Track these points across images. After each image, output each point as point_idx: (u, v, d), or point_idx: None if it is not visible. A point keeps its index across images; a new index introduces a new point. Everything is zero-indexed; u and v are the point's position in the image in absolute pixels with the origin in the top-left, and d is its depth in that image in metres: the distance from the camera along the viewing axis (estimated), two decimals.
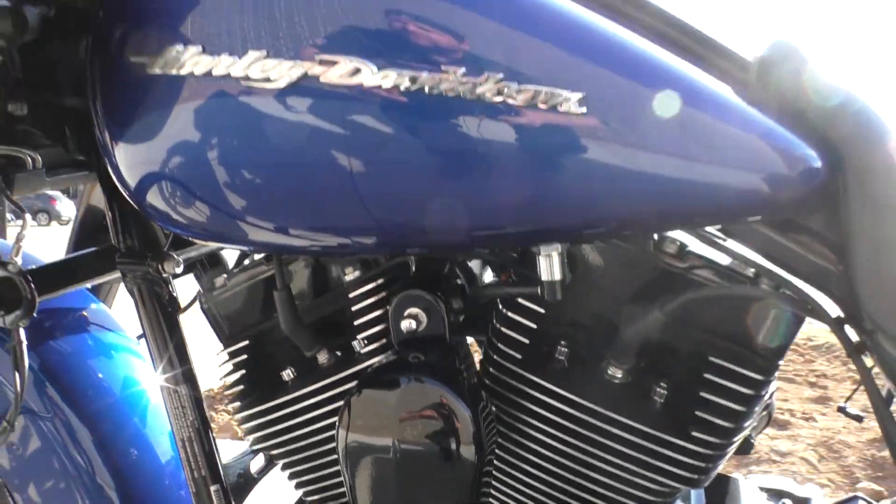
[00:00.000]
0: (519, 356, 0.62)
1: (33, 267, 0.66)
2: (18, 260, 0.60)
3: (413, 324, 0.59)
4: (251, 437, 0.72)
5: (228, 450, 0.82)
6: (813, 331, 4.91)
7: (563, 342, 0.61)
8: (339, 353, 0.66)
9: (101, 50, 0.54)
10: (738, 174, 0.46)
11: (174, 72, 0.47)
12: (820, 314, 0.54)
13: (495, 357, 0.64)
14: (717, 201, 0.47)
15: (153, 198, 0.53)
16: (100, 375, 0.91)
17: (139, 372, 0.94)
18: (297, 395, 0.67)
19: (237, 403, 0.72)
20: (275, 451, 0.72)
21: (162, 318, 0.70)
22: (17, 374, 0.62)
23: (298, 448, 0.70)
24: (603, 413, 0.59)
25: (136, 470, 0.88)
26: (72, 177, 0.68)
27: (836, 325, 0.53)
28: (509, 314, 0.62)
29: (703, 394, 0.59)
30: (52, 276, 0.68)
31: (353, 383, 0.64)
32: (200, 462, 0.69)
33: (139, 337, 0.97)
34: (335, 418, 0.60)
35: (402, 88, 0.44)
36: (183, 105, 0.48)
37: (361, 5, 0.44)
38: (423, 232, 0.50)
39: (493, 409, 0.63)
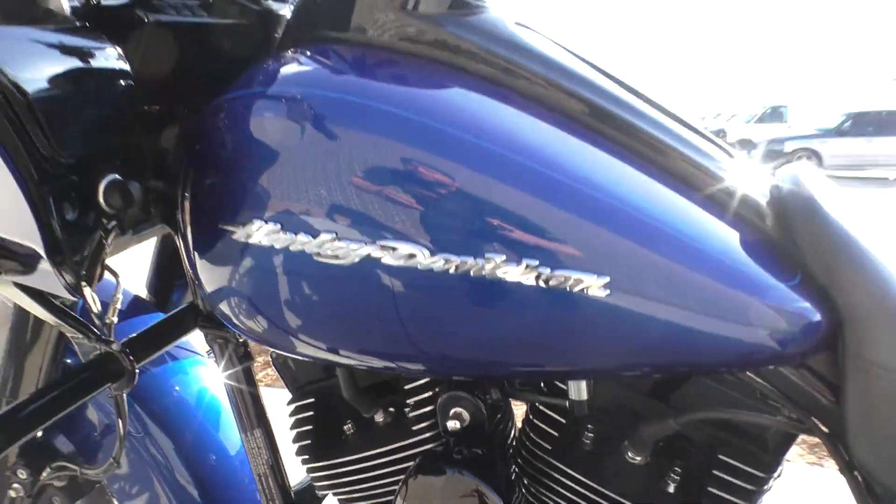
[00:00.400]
0: (549, 447, 0.72)
1: (131, 336, 0.75)
2: (114, 318, 0.68)
3: (457, 424, 0.69)
4: (318, 484, 0.81)
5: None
6: None
7: (589, 427, 0.69)
8: (393, 413, 0.75)
9: (193, 194, 0.62)
10: (746, 330, 0.53)
11: (256, 242, 0.56)
12: (816, 432, 0.60)
13: (528, 444, 0.74)
14: (724, 354, 0.54)
15: (226, 309, 0.62)
16: (177, 389, 1.03)
17: (208, 382, 1.06)
18: (356, 457, 0.76)
19: (304, 455, 0.81)
20: (339, 497, 0.82)
21: (240, 371, 0.80)
22: (119, 422, 0.72)
23: (359, 497, 0.80)
24: (622, 501, 0.68)
25: (215, 471, 0.99)
26: (153, 230, 0.77)
27: (830, 442, 0.59)
28: (542, 409, 0.73)
29: (711, 489, 0.66)
30: (146, 343, 0.77)
31: (407, 452, 0.74)
32: (275, 493, 0.81)
33: (208, 353, 1.08)
34: (391, 478, 0.73)
35: (450, 271, 0.52)
36: (260, 267, 0.57)
37: (416, 200, 0.53)
38: (464, 368, 0.60)
39: (525, 492, 0.72)
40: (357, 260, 0.54)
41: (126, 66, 0.56)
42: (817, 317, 0.54)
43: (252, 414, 0.83)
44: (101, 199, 0.55)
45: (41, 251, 0.51)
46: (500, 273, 0.52)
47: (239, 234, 0.57)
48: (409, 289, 0.54)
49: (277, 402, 0.89)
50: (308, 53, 0.62)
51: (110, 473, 0.85)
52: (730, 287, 0.53)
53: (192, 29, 0.67)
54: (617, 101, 0.60)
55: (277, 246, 0.55)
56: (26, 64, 0.47)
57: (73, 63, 0.51)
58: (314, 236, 0.54)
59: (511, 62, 0.60)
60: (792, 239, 0.57)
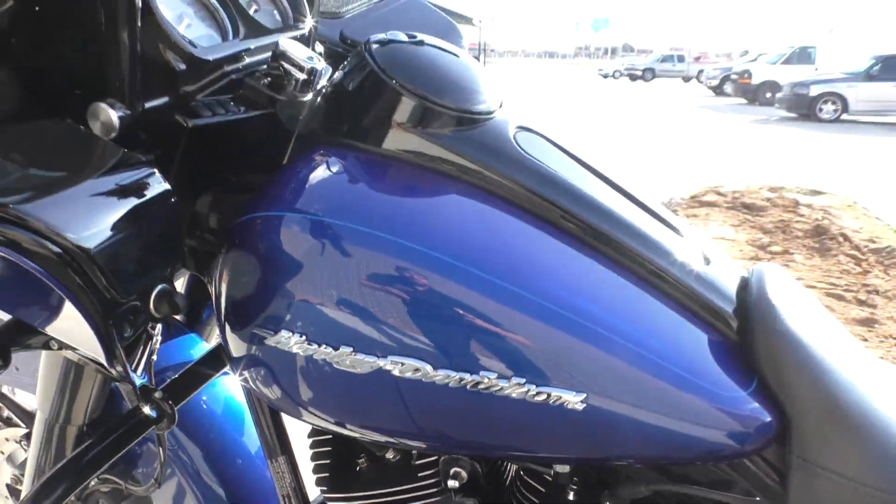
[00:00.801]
0: (537, 500, 0.80)
1: (169, 381, 0.84)
2: (153, 358, 0.77)
3: (457, 483, 0.77)
4: None
5: None
6: (878, 230, 4.89)
7: (574, 481, 0.77)
8: (402, 455, 0.83)
9: (228, 293, 0.69)
10: (707, 431, 0.61)
11: (284, 348, 0.64)
12: None
13: (518, 496, 0.82)
14: (689, 451, 0.62)
15: (248, 376, 0.70)
16: (204, 399, 1.13)
17: (233, 390, 1.16)
18: (367, 493, 0.85)
19: (322, 486, 0.91)
20: None
21: (267, 408, 0.89)
22: (160, 449, 0.82)
23: None
24: None
25: (242, 474, 1.10)
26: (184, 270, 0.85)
27: None
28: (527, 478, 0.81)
29: None
30: (183, 386, 0.85)
31: (412, 494, 0.82)
32: None
33: None
34: None
35: (450, 385, 0.61)
36: (284, 364, 0.65)
37: (421, 322, 0.61)
38: (462, 450, 0.71)
39: None
40: (370, 370, 0.62)
41: (168, 187, 0.62)
42: (769, 418, 0.62)
43: (276, 442, 0.92)
44: (151, 308, 0.63)
45: (103, 361, 0.59)
46: (493, 389, 0.60)
47: (269, 339, 0.65)
48: (415, 394, 0.62)
49: (300, 427, 0.99)
50: (323, 167, 0.69)
51: (152, 492, 0.96)
52: (693, 395, 0.61)
53: (227, 126, 0.74)
54: (602, 212, 0.66)
55: (302, 353, 0.64)
56: (85, 221, 0.54)
57: (126, 206, 0.57)
58: (335, 349, 0.62)
59: (507, 177, 0.66)
60: (751, 344, 0.64)
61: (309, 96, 0.77)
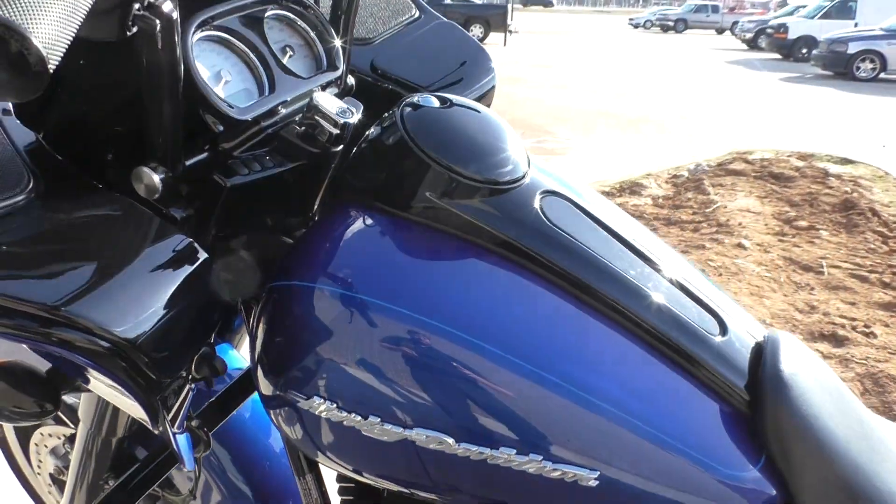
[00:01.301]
0: None
1: (203, 408, 0.89)
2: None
3: None
4: None
5: None
6: None
7: None
8: None
9: (261, 348, 0.72)
10: None
11: (315, 412, 0.67)
12: None
13: None
14: None
15: (274, 414, 0.73)
16: None
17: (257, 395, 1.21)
18: None
19: None
20: None
21: None
22: (196, 469, 0.87)
23: None
24: None
25: (269, 476, 1.16)
26: None
27: None
28: None
29: None
30: (216, 412, 0.90)
31: None
32: None
33: None
34: None
35: (471, 458, 0.64)
36: (316, 427, 0.69)
37: (444, 399, 0.64)
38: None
39: None
40: (396, 440, 0.66)
41: (205, 256, 0.65)
42: (775, 495, 0.65)
43: (304, 461, 0.97)
44: (193, 372, 0.67)
45: (147, 422, 0.64)
46: (511, 464, 0.64)
47: (300, 402, 0.69)
48: (437, 462, 0.66)
49: None
50: (351, 231, 0.72)
51: (188, 503, 1.03)
52: (702, 472, 0.64)
53: (263, 182, 0.76)
54: (621, 286, 0.68)
55: (332, 419, 0.67)
56: (129, 312, 0.57)
57: (168, 287, 0.60)
58: (364, 418, 0.66)
59: (532, 249, 0.68)
60: (761, 420, 0.67)
61: (341, 148, 0.80)
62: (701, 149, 6.55)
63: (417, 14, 1.13)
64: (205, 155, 0.73)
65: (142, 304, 0.58)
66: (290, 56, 0.85)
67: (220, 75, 0.76)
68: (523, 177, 0.73)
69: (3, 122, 0.65)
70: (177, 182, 0.70)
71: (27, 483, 1.47)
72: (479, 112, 0.77)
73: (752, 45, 21.18)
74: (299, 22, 0.87)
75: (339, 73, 0.88)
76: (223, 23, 0.77)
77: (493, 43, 18.13)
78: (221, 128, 0.73)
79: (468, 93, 1.08)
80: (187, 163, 0.71)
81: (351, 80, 0.97)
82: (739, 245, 3.94)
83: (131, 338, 0.56)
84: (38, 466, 1.38)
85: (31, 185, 0.62)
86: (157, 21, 0.55)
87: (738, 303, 0.84)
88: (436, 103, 0.75)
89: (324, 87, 0.87)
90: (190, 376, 0.67)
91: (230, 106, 0.73)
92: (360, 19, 1.07)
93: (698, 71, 14.52)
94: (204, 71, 0.74)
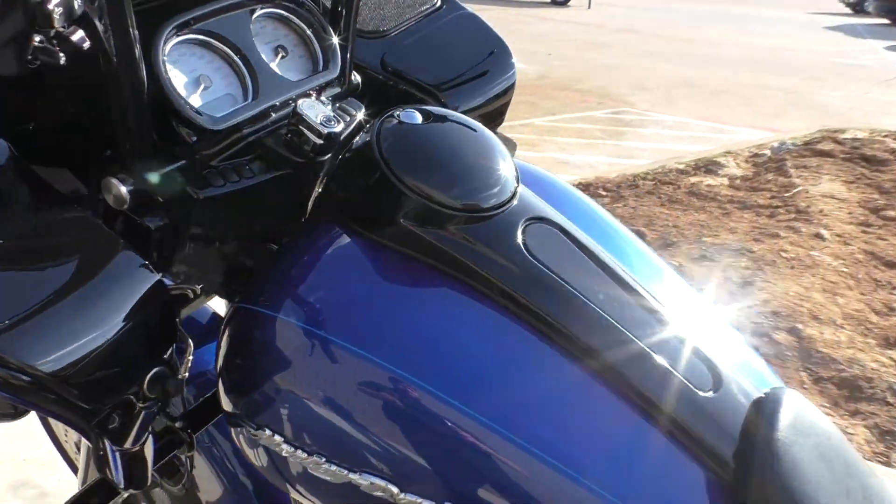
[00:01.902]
0: None
1: (189, 410, 0.87)
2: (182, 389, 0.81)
3: None
4: None
5: None
6: None
7: None
8: None
9: (223, 364, 0.70)
10: None
11: (264, 443, 0.65)
12: None
13: None
14: None
15: (244, 443, 0.71)
16: None
17: None
18: None
19: None
20: None
21: None
22: (186, 460, 0.87)
23: None
24: None
25: None
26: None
27: None
28: None
29: None
30: (202, 415, 0.89)
31: None
32: None
33: None
34: None
35: None
36: (267, 456, 0.67)
37: (389, 446, 0.60)
38: None
39: None
40: (340, 481, 0.62)
41: (157, 279, 0.62)
42: None
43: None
44: (144, 391, 0.65)
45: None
46: None
47: (252, 431, 0.66)
48: None
49: None
50: (322, 255, 0.68)
51: (181, 493, 1.03)
52: None
53: (243, 192, 0.73)
54: (602, 330, 0.62)
55: (281, 454, 0.65)
56: (60, 345, 0.54)
57: (107, 316, 0.57)
58: (308, 455, 0.63)
59: (508, 285, 0.63)
60: (745, 492, 0.59)
61: (327, 158, 0.75)
62: (788, 125, 6.19)
63: (438, 3, 1.06)
64: (179, 165, 0.70)
65: (74, 332, 0.56)
66: (283, 57, 0.80)
67: (200, 81, 0.72)
68: (508, 201, 0.67)
69: None
70: (148, 195, 0.68)
71: (61, 448, 1.53)
72: (466, 128, 0.71)
73: (858, 8, 19.72)
74: (294, 19, 0.82)
75: (335, 73, 0.83)
76: (205, 25, 0.73)
77: (577, 5, 17.59)
78: (195, 138, 0.70)
79: (485, 91, 1.02)
80: (160, 172, 0.69)
81: (357, 78, 0.92)
82: (817, 235, 3.71)
83: (54, 370, 0.54)
84: (66, 434, 1.43)
85: None
86: (67, 50, 0.51)
87: (755, 351, 0.76)
88: (418, 118, 0.70)
89: (321, 89, 0.83)
90: (141, 397, 0.65)
91: (201, 114, 0.69)
92: (375, 9, 1.01)
93: (792, 38, 13.67)
94: (180, 77, 0.71)
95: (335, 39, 0.84)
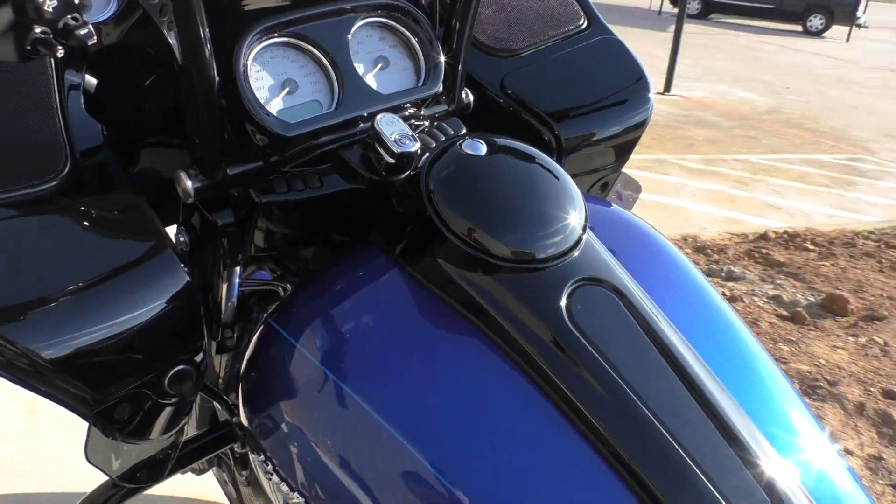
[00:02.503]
0: None
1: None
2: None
3: None
4: None
5: None
6: None
7: None
8: None
9: (244, 382, 0.70)
10: None
11: (259, 469, 0.64)
12: None
13: None
14: None
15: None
16: None
17: None
18: None
19: None
20: None
21: None
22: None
23: None
24: None
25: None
26: None
27: None
28: None
29: None
30: None
31: None
32: None
33: None
34: None
35: None
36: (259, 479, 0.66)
37: (374, 487, 0.55)
38: None
39: None
40: None
41: (186, 281, 0.62)
42: None
43: None
44: (165, 385, 0.66)
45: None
46: None
47: (253, 450, 0.65)
48: None
49: None
50: (357, 283, 0.64)
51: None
52: None
53: (303, 202, 0.72)
54: (640, 423, 0.53)
55: (269, 479, 0.63)
56: (65, 330, 0.55)
57: (127, 312, 0.58)
58: (291, 490, 0.60)
59: (539, 354, 0.55)
60: None
61: (402, 179, 0.72)
62: None
63: (584, 24, 0.99)
64: (250, 166, 0.71)
65: (84, 321, 0.57)
66: (381, 68, 0.79)
67: (285, 84, 0.72)
68: (564, 254, 0.60)
69: (68, 108, 0.67)
70: (212, 192, 0.69)
71: None
72: (533, 165, 0.65)
73: None
74: (401, 29, 0.80)
75: (433, 90, 0.80)
76: (302, 29, 0.73)
77: (834, 37, 16.00)
78: (267, 140, 0.70)
79: (609, 125, 0.93)
80: (230, 172, 0.70)
81: (469, 97, 0.88)
82: None
83: (55, 358, 0.55)
84: None
85: (64, 172, 0.63)
86: (67, 46, 0.51)
87: (845, 459, 0.61)
88: (482, 149, 0.64)
89: (420, 104, 0.80)
90: (160, 393, 0.66)
91: (274, 118, 0.69)
92: (511, 26, 0.96)
93: None
94: (266, 79, 0.71)
95: (441, 54, 0.80)
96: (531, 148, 0.67)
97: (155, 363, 0.62)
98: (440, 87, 0.81)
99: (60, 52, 0.46)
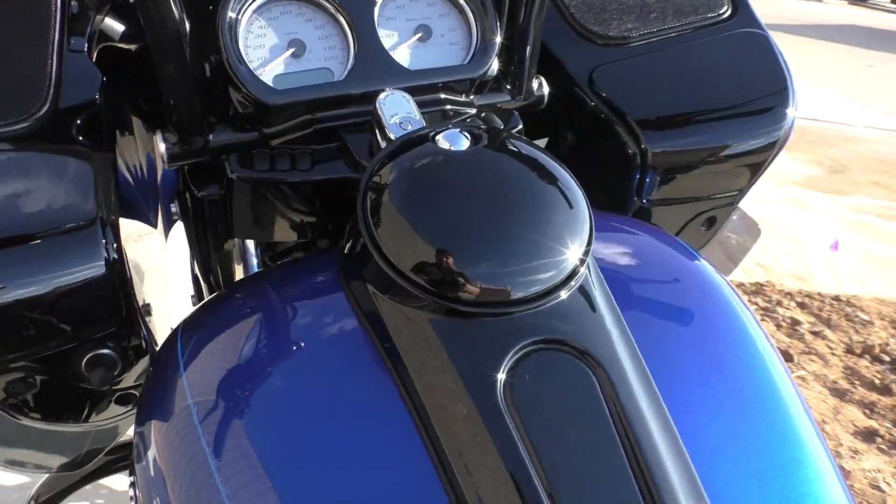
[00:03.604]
0: None
1: None
2: None
3: None
4: None
5: None
6: None
7: None
8: None
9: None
10: None
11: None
12: None
13: None
14: None
15: None
16: None
17: None
18: None
19: None
20: None
21: None
22: None
23: None
24: None
25: None
26: None
27: None
28: None
29: None
30: None
31: None
32: None
33: None
34: None
35: None
36: None
37: None
38: None
39: None
40: None
41: (103, 272, 0.53)
42: None
43: None
44: (82, 369, 0.57)
45: None
46: None
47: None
48: None
49: None
50: (262, 312, 0.52)
51: None
52: None
53: (283, 184, 0.61)
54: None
55: None
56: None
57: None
58: None
59: (446, 425, 0.40)
60: None
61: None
62: None
63: (727, 12, 0.77)
64: (238, 136, 0.61)
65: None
66: (419, 38, 0.65)
67: (291, 45, 0.61)
68: (526, 303, 0.43)
69: (66, 49, 0.61)
70: (187, 158, 0.61)
71: None
72: (523, 168, 0.47)
73: None
74: None
75: (477, 73, 0.64)
76: None
77: None
78: (249, 108, 0.59)
79: (725, 145, 0.71)
80: (213, 140, 0.60)
81: (542, 89, 0.71)
82: None
83: None
84: None
85: (39, 114, 0.57)
86: None
87: None
88: (462, 143, 0.48)
89: (468, 89, 0.65)
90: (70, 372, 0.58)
91: (258, 82, 0.58)
92: (634, 10, 0.76)
93: None
94: (269, 37, 0.61)
95: (495, 30, 0.65)
96: (533, 147, 0.50)
97: (49, 340, 0.54)
98: (489, 70, 0.65)
99: None
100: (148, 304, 0.77)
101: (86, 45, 0.62)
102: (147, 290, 0.81)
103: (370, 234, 0.45)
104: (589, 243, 0.45)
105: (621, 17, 0.75)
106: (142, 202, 0.78)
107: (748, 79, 0.72)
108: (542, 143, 0.88)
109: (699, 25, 0.76)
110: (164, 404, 0.48)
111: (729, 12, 0.77)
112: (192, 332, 0.53)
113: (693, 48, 0.74)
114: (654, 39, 0.75)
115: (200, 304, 0.59)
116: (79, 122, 0.59)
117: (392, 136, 0.55)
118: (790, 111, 0.71)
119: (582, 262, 0.44)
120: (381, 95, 0.57)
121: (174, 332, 0.54)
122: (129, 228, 0.83)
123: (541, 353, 0.41)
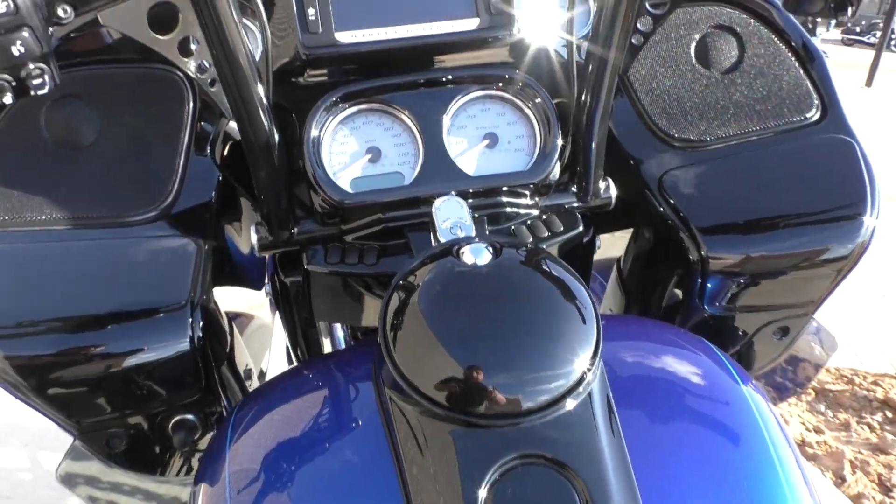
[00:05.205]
0: None
1: None
2: None
3: None
4: None
5: None
6: None
7: None
8: None
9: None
10: None
11: None
12: None
13: None
14: None
15: None
16: None
17: None
18: None
19: None
20: None
21: None
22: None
23: None
24: None
25: None
26: None
27: None
28: None
29: None
30: None
31: None
32: None
33: None
34: None
35: None
36: None
37: None
38: None
39: None
40: None
41: (186, 349, 0.63)
42: None
43: None
44: (169, 430, 0.67)
45: None
46: None
47: None
48: None
49: None
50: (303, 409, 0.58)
51: None
52: None
53: (350, 276, 0.68)
54: None
55: None
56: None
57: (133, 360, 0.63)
58: None
59: None
60: None
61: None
62: None
63: (816, 115, 0.75)
64: (319, 230, 0.69)
65: (82, 350, 0.61)
66: (487, 145, 0.70)
67: (369, 151, 0.69)
68: (513, 416, 0.45)
69: (192, 151, 0.73)
70: (275, 249, 0.69)
71: None
72: (535, 284, 0.50)
73: None
74: (519, 104, 0.70)
75: (537, 178, 0.68)
76: (397, 97, 0.69)
77: None
78: (327, 207, 0.67)
79: (795, 253, 0.69)
80: (298, 233, 0.69)
81: (611, 189, 0.73)
82: None
83: (41, 375, 0.61)
84: None
85: (164, 204, 0.69)
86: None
87: None
88: (484, 258, 0.51)
89: (532, 192, 0.69)
90: (158, 433, 0.67)
91: (334, 185, 0.66)
92: (710, 105, 0.77)
93: None
94: (351, 144, 0.69)
95: (557, 134, 0.69)
96: (554, 260, 0.52)
97: (143, 403, 0.64)
98: (550, 175, 0.69)
99: (8, 99, 0.48)
100: (249, 370, 0.86)
101: (209, 147, 0.73)
102: (253, 354, 0.92)
103: (385, 340, 0.50)
104: (593, 358, 0.47)
105: (700, 120, 0.76)
106: (252, 271, 0.89)
107: (824, 186, 0.70)
108: (627, 233, 0.89)
109: (783, 129, 0.75)
110: (210, 473, 0.55)
111: (818, 116, 0.75)
112: (243, 412, 0.60)
113: (771, 154, 0.74)
114: (732, 143, 0.75)
115: (257, 387, 0.66)
116: (194, 213, 0.70)
117: (441, 240, 0.60)
118: (868, 219, 0.68)
119: (579, 382, 0.46)
120: (438, 201, 0.63)
121: (230, 411, 0.62)
122: (240, 296, 0.94)
123: (525, 467, 0.44)
